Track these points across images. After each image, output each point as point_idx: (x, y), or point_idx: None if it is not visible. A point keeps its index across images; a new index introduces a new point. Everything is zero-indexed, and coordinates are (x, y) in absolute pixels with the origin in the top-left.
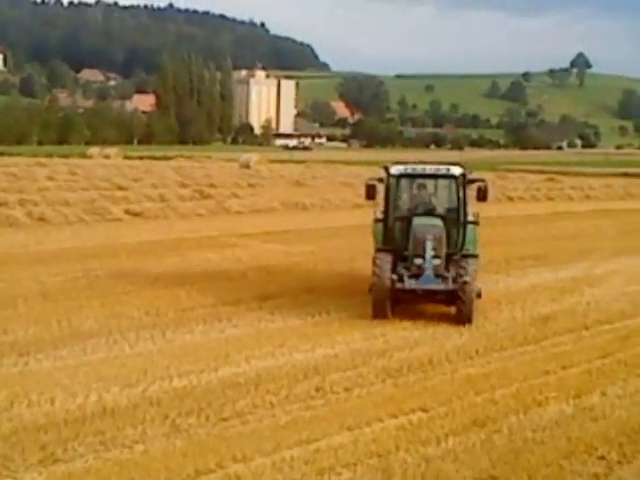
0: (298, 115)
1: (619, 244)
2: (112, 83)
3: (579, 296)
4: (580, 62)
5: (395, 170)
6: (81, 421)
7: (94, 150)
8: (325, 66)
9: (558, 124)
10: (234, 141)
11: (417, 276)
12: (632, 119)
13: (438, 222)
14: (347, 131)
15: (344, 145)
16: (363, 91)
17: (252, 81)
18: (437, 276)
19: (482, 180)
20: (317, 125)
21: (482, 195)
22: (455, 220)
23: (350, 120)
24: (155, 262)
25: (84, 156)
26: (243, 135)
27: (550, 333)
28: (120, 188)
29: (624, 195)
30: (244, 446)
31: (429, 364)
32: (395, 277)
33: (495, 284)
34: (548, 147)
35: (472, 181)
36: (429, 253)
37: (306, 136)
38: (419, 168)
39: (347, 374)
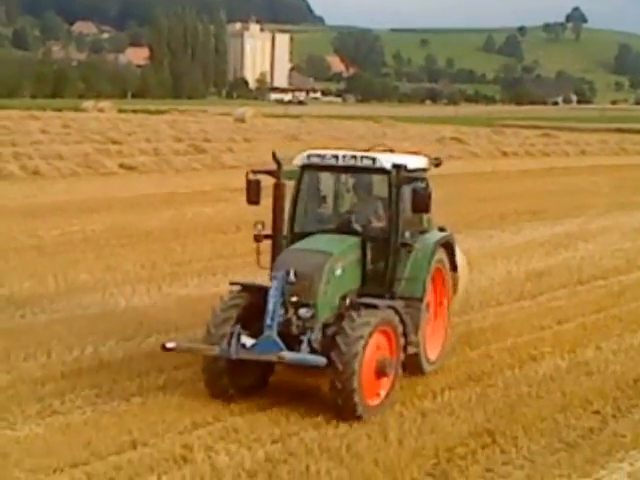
0: (293, 69)
1: (614, 200)
2: (105, 36)
3: (574, 251)
4: (576, 16)
5: (297, 160)
6: (78, 374)
7: (88, 103)
8: (320, 20)
9: (554, 79)
10: (229, 95)
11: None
12: (627, 74)
13: (332, 247)
14: (342, 86)
15: (339, 100)
16: (358, 45)
17: (246, 34)
18: (287, 337)
19: (422, 179)
20: (312, 79)
21: (418, 203)
22: (382, 241)
23: (345, 74)
24: (150, 216)
25: (78, 109)
26: (238, 89)
27: (545, 288)
28: (114, 142)
29: (618, 151)
30: (241, 400)
31: None
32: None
33: (489, 239)
34: (544, 102)
35: (411, 180)
36: (273, 299)
37: (301, 90)
38: (330, 156)
39: None
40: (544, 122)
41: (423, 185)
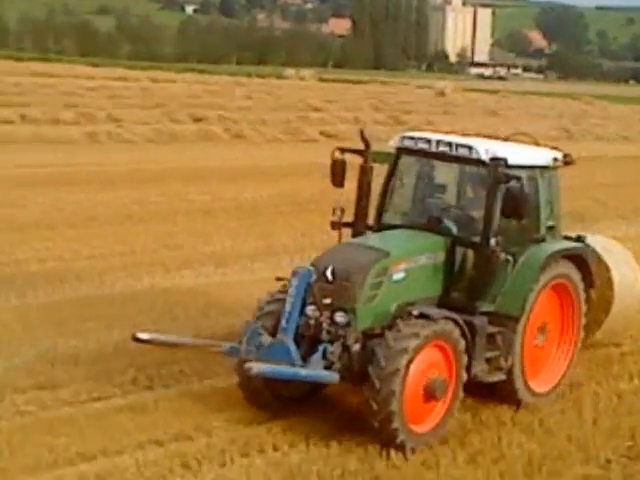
0: (493, 44)
1: None
2: (309, 6)
3: None
4: None
5: (392, 141)
6: None
7: (290, 72)
8: None
9: None
10: (429, 68)
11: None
12: None
13: (397, 246)
14: (543, 62)
15: (540, 76)
16: (561, 22)
17: (448, 8)
18: (317, 344)
19: (517, 178)
20: (512, 55)
21: (508, 206)
22: (475, 245)
23: (546, 51)
24: (350, 184)
25: (280, 77)
26: (438, 63)
27: None
28: (315, 110)
29: None
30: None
31: None
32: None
33: None
34: None
35: (508, 178)
36: (291, 299)
37: (501, 66)
38: (424, 141)
39: None
40: None
41: (518, 185)
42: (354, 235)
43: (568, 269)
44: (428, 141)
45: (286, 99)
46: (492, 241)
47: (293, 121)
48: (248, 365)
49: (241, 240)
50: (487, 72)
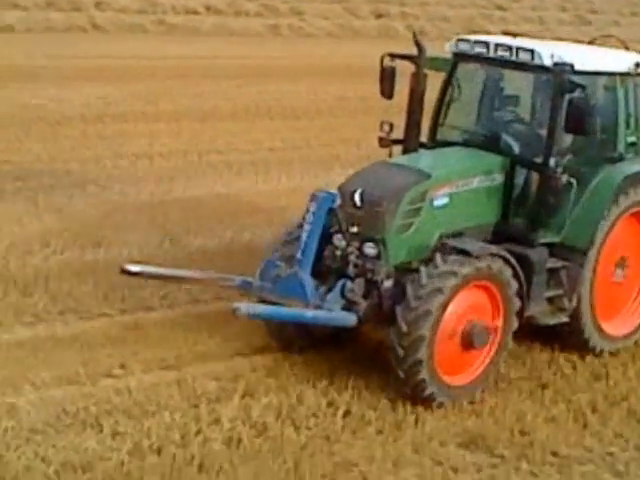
0: None
1: None
2: None
3: None
4: None
5: (448, 46)
6: None
7: None
8: None
9: None
10: None
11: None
12: None
13: (442, 167)
14: None
15: None
16: None
17: None
18: (332, 273)
19: (582, 86)
20: None
21: (570, 118)
22: (536, 166)
23: None
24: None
25: None
26: None
27: None
28: (499, 8)
29: None
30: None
31: None
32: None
33: None
34: None
35: (574, 86)
36: (308, 226)
37: None
38: (481, 44)
39: None
40: None
41: (582, 95)
42: (404, 153)
43: None
44: (486, 44)
45: None
46: (551, 161)
47: (476, 18)
48: (235, 305)
49: None
50: None
